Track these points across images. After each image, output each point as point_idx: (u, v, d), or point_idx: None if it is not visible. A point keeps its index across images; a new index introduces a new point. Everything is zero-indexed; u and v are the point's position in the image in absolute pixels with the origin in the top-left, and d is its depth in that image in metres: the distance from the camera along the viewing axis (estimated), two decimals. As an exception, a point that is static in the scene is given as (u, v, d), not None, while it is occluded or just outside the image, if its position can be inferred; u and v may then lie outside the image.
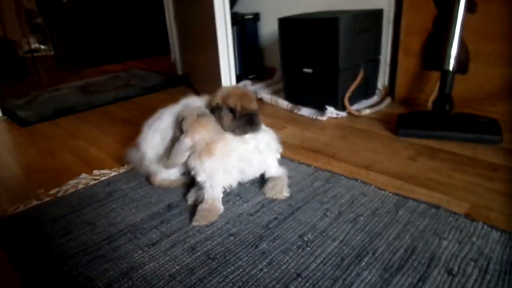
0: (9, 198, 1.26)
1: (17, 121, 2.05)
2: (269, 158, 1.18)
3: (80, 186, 1.29)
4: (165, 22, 2.89)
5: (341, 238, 0.92)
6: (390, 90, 1.99)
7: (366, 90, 1.92)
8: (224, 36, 1.57)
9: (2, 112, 2.19)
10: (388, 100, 1.91)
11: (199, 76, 2.24)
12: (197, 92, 2.36)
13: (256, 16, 2.51)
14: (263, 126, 1.18)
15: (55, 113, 2.13)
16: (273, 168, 1.20)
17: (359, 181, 1.18)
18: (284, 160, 1.36)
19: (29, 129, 1.94)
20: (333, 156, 1.39)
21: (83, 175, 1.36)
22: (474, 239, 0.89)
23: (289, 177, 1.22)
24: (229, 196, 1.15)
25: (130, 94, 2.45)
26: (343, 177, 1.21)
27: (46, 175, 1.40)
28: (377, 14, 1.84)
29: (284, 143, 1.52)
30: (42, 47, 4.36)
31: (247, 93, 1.15)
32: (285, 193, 1.12)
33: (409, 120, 1.58)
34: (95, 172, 1.38)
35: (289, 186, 1.17)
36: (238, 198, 1.14)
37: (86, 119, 2.04)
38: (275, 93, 2.16)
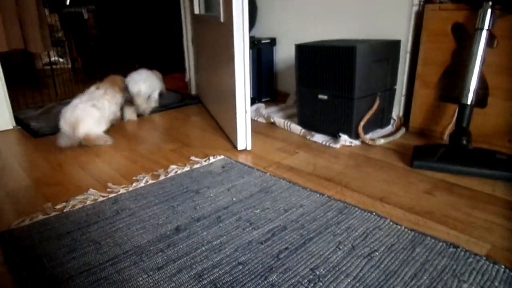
0: (16, 210, 1.24)
1: (30, 132, 2.06)
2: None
3: (88, 202, 1.27)
4: (182, 41, 2.93)
5: (354, 274, 0.88)
6: (405, 120, 1.97)
7: (381, 119, 1.90)
8: (242, 59, 1.57)
9: (16, 122, 2.20)
10: (402, 130, 1.88)
11: (212, 97, 2.25)
12: (210, 113, 2.36)
13: (273, 41, 2.53)
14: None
15: (68, 126, 2.14)
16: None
17: (373, 213, 1.14)
18: (296, 187, 1.33)
19: (41, 140, 1.94)
20: (346, 186, 1.36)
21: (91, 190, 1.35)
22: (496, 283, 0.84)
23: (301, 205, 1.19)
24: (239, 221, 1.12)
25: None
26: (357, 209, 1.17)
27: (55, 188, 1.39)
28: (394, 45, 1.84)
29: (296, 170, 1.50)
30: (61, 60, 4.45)
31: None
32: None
33: (425, 152, 1.55)
34: (106, 189, 1.36)
35: (301, 215, 1.14)
36: (248, 224, 1.11)
37: (98, 133, 2.04)
38: (288, 117, 2.15)
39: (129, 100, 2.22)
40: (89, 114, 1.82)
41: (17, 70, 3.05)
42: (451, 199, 1.25)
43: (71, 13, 3.71)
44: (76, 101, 1.86)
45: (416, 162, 1.49)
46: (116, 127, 2.14)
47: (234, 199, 1.26)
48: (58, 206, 1.24)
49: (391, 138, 1.80)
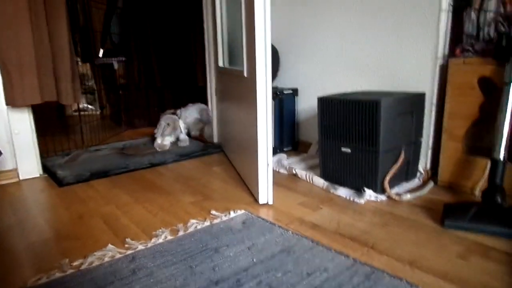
0: (34, 265, 1.23)
1: (56, 180, 2.10)
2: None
3: (106, 259, 1.24)
4: (205, 90, 3.01)
5: None
6: (433, 174, 1.90)
7: (406, 172, 1.84)
8: (264, 114, 1.58)
9: (43, 170, 2.26)
10: (430, 184, 1.81)
11: (234, 147, 2.25)
12: (231, 162, 2.36)
13: (295, 91, 2.56)
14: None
15: (91, 175, 2.17)
16: None
17: (403, 280, 1.06)
18: (319, 247, 1.27)
19: (65, 190, 1.96)
20: (373, 247, 1.28)
21: (110, 246, 1.32)
22: None
23: (325, 269, 1.12)
24: (259, 286, 1.06)
25: (166, 160, 2.48)
26: (385, 274, 1.10)
27: (73, 243, 1.38)
28: (419, 98, 1.82)
29: (319, 227, 1.44)
30: (89, 107, 4.65)
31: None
32: None
33: (457, 210, 1.46)
34: (124, 245, 1.33)
35: (325, 280, 1.07)
36: (268, 290, 1.05)
37: (121, 183, 2.06)
38: (310, 168, 2.11)
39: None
40: None
41: (48, 116, 3.18)
42: (488, 266, 1.15)
43: (102, 64, 3.91)
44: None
45: (447, 222, 1.41)
46: (138, 177, 2.15)
47: (254, 259, 1.21)
48: (75, 263, 1.22)
49: (418, 193, 1.72)
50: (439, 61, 1.80)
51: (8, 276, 1.18)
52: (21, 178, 2.14)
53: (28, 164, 2.16)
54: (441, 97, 1.82)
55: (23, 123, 2.11)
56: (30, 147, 2.16)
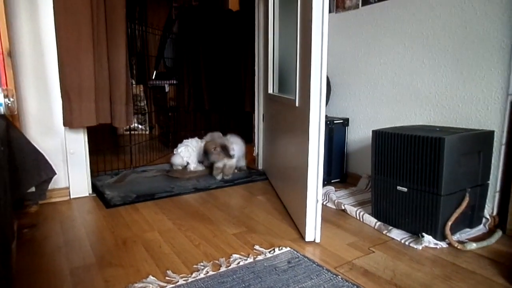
0: (76, 293, 1.21)
1: (104, 201, 2.14)
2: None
3: (146, 292, 1.20)
4: (252, 116, 2.99)
5: None
6: (501, 221, 1.70)
7: (470, 218, 1.67)
8: (316, 147, 1.50)
9: (92, 189, 2.31)
10: (498, 233, 1.62)
11: (280, 177, 2.18)
12: (276, 191, 2.28)
13: (345, 121, 2.46)
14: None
15: (137, 197, 2.19)
16: None
17: None
18: (373, 300, 1.15)
19: (111, 211, 1.98)
20: (435, 305, 1.14)
21: (150, 278, 1.29)
22: None
23: (381, 329, 1.00)
24: None
25: (210, 185, 2.46)
26: None
27: (115, 271, 1.35)
28: (487, 136, 1.66)
29: (372, 275, 1.32)
30: (140, 126, 4.81)
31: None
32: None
33: (534, 268, 1.28)
34: (165, 277, 1.29)
35: None
36: None
37: (165, 207, 2.05)
38: (360, 205, 1.98)
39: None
40: None
41: (100, 135, 3.31)
42: None
43: (154, 86, 4.05)
44: None
45: (522, 281, 1.24)
46: (182, 202, 2.14)
47: (300, 307, 1.11)
48: (116, 294, 1.19)
49: (485, 243, 1.54)
50: (511, 98, 1.64)
51: (50, 302, 1.17)
52: (72, 196, 2.20)
53: (79, 183, 2.22)
54: (511, 135, 1.66)
55: (78, 144, 2.19)
56: (82, 166, 2.22)
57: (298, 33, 1.65)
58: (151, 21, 4.37)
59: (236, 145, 2.68)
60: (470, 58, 1.78)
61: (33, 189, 1.84)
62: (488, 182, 1.71)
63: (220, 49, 3.85)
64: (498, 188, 1.72)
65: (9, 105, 1.82)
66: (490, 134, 1.67)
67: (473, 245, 1.52)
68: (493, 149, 1.69)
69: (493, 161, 1.70)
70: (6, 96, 1.82)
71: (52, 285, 1.26)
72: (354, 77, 2.44)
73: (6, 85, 1.83)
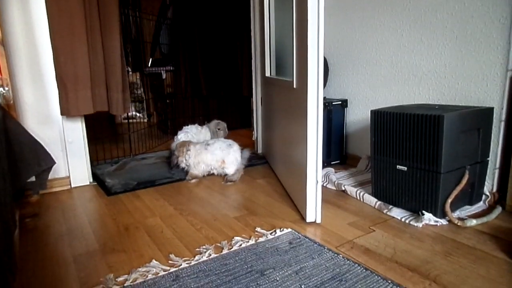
0: (79, 279, 1.22)
1: (104, 189, 2.14)
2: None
3: (149, 276, 1.21)
4: (250, 100, 2.97)
5: None
6: (500, 197, 1.71)
7: (470, 195, 1.67)
8: (315, 129, 1.49)
9: (93, 178, 2.32)
10: (498, 209, 1.63)
11: (279, 160, 2.18)
12: (276, 174, 2.29)
13: (344, 103, 2.45)
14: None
15: (137, 184, 2.19)
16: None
17: (475, 324, 0.93)
18: (374, 276, 1.16)
19: (113, 199, 1.99)
20: (435, 280, 1.15)
21: (154, 262, 1.30)
22: None
23: (383, 304, 1.02)
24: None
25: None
26: (452, 315, 0.97)
27: (119, 256, 1.37)
28: (486, 113, 1.65)
29: (372, 253, 1.33)
30: (138, 114, 4.79)
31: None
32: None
33: (533, 242, 1.29)
34: (168, 261, 1.30)
35: (383, 318, 0.97)
36: (319, 324, 0.96)
37: (166, 193, 2.05)
38: (360, 185, 1.99)
39: None
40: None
41: (98, 124, 3.29)
42: None
43: (151, 73, 4.01)
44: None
45: (522, 255, 1.25)
46: (182, 187, 2.14)
47: (303, 286, 1.13)
48: (120, 279, 1.20)
49: (485, 219, 1.55)
50: (510, 73, 1.63)
51: (55, 288, 1.18)
52: (72, 185, 2.21)
53: (80, 172, 2.23)
54: (511, 112, 1.65)
55: (76, 132, 2.18)
56: (82, 155, 2.22)
57: (294, 13, 1.62)
58: (145, 7, 4.31)
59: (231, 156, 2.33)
60: (469, 34, 1.76)
61: (33, 178, 1.85)
62: (488, 159, 1.71)
63: (216, 33, 3.81)
64: (497, 165, 1.72)
65: (4, 94, 1.81)
66: (490, 111, 1.66)
67: (473, 222, 1.53)
68: (493, 126, 1.69)
69: (492, 138, 1.70)
70: (1, 85, 1.80)
71: (56, 273, 1.27)
72: (352, 58, 2.41)
73: (1, 74, 1.82)
